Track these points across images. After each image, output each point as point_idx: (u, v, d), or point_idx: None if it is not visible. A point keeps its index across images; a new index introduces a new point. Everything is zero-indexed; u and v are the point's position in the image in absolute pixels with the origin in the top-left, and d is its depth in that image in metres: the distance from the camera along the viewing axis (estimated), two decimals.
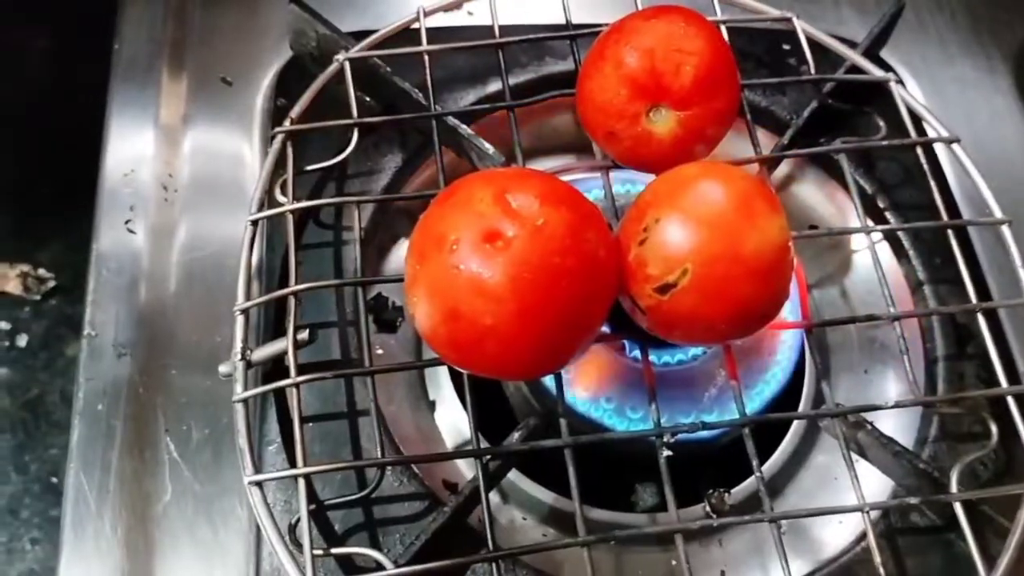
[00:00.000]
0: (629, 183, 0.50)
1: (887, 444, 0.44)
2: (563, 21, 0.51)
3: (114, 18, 0.57)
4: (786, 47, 0.57)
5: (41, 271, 0.54)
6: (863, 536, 0.41)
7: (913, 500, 0.42)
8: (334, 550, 0.40)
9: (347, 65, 0.49)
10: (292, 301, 0.42)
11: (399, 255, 0.52)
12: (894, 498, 0.46)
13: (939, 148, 0.54)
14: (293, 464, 0.40)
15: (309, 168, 0.47)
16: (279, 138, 0.47)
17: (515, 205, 0.35)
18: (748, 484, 0.47)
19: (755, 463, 0.40)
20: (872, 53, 0.54)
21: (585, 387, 0.46)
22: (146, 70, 0.55)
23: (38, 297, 0.54)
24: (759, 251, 0.36)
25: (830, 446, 0.49)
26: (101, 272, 0.49)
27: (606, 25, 0.44)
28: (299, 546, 0.38)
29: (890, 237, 0.54)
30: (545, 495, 0.47)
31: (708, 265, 0.36)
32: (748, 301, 0.36)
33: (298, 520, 0.38)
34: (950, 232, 0.47)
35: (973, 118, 0.59)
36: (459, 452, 0.47)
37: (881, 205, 0.53)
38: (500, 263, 0.34)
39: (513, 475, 0.47)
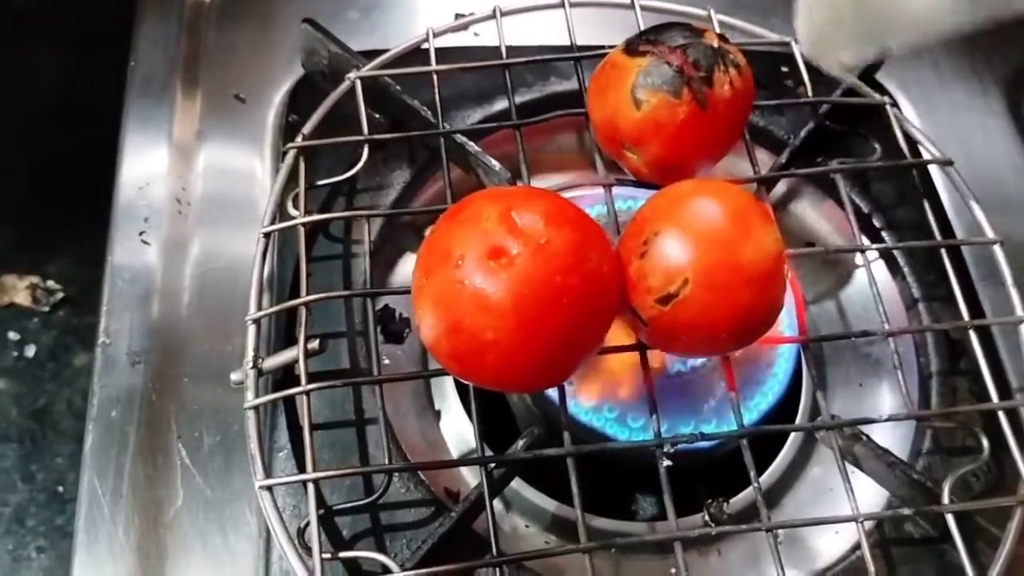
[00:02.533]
0: (631, 199, 0.52)
1: (882, 455, 0.45)
2: (568, 43, 0.52)
3: (128, 36, 0.58)
4: (784, 69, 0.58)
5: (50, 283, 0.55)
6: (858, 546, 0.42)
7: (906, 511, 0.43)
8: (342, 554, 0.40)
9: (358, 83, 0.50)
10: (303, 311, 0.43)
11: (406, 268, 0.53)
12: (888, 509, 0.46)
13: (933, 169, 0.55)
14: (302, 470, 0.41)
15: (320, 183, 0.48)
16: (292, 153, 0.48)
17: (520, 224, 0.36)
18: (746, 494, 0.48)
19: (752, 473, 0.41)
20: (868, 76, 0.56)
21: (587, 397, 0.47)
22: (161, 86, 0.57)
23: (47, 309, 0.54)
24: (756, 260, 0.37)
25: (826, 458, 0.49)
26: (115, 282, 0.50)
27: (610, 47, 0.45)
28: (308, 550, 0.39)
29: (886, 255, 0.54)
30: (548, 503, 0.47)
31: (707, 275, 0.37)
32: (747, 308, 0.37)
33: (307, 524, 0.39)
34: (943, 251, 0.48)
35: (966, 139, 0.60)
36: (465, 460, 0.48)
37: (877, 224, 0.54)
38: (503, 279, 0.35)
39: (516, 484, 0.47)
